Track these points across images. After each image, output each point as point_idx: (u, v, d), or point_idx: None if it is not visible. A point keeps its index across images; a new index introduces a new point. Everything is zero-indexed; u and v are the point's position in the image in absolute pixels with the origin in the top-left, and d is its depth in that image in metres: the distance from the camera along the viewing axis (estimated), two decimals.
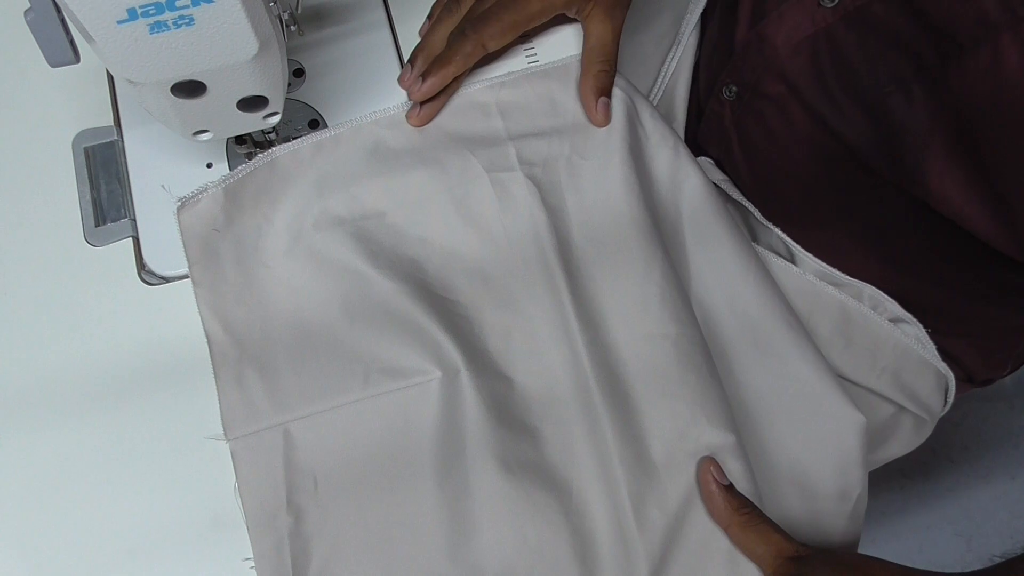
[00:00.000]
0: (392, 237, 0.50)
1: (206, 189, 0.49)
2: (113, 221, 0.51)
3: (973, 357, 0.61)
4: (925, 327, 0.59)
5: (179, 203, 0.49)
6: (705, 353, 0.49)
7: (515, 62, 0.54)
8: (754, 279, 0.53)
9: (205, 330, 0.48)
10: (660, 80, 0.64)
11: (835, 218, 0.57)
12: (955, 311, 0.58)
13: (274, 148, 0.51)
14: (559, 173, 0.52)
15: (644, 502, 0.46)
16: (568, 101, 0.53)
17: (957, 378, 0.61)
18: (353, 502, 0.45)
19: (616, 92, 0.53)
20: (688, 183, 0.54)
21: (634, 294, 0.50)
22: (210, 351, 0.48)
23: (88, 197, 0.52)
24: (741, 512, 0.45)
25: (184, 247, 0.49)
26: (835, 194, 0.55)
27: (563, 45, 0.55)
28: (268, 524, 0.45)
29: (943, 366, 0.60)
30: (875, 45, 0.48)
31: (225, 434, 0.46)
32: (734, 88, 0.57)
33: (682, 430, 0.47)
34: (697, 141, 0.63)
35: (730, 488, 0.46)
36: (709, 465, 0.46)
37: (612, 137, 0.52)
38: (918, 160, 0.47)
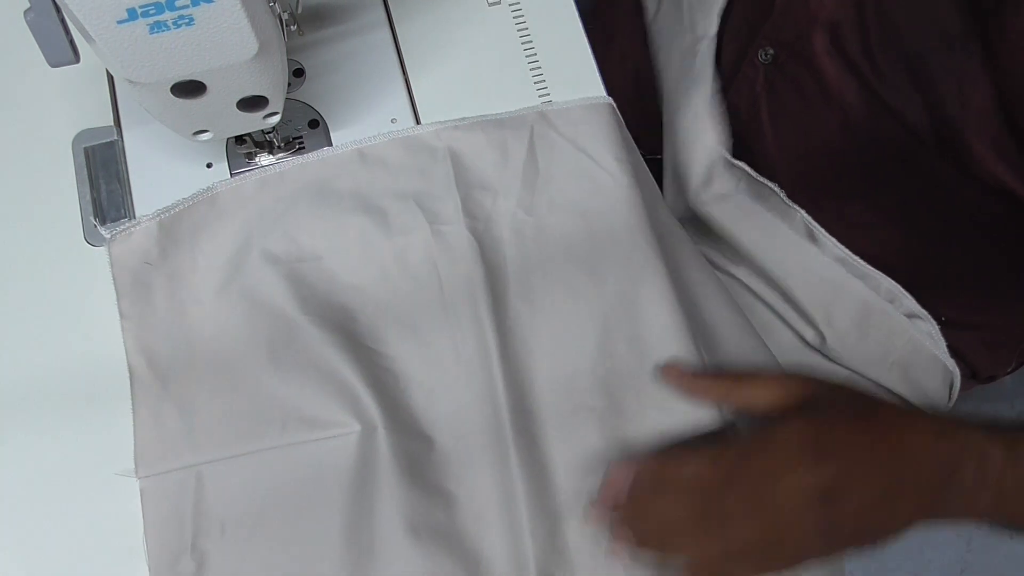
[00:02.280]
0: (326, 283, 0.50)
1: (139, 223, 0.49)
2: (113, 221, 0.51)
3: (980, 353, 0.61)
4: (939, 315, 0.59)
5: (109, 235, 0.49)
6: (631, 426, 0.48)
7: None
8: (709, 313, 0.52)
9: (129, 364, 0.47)
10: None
11: (863, 188, 0.56)
12: (969, 299, 0.58)
13: (215, 183, 0.51)
14: (502, 229, 0.51)
15: None
16: (520, 151, 0.53)
17: (962, 374, 0.61)
18: (258, 553, 0.45)
19: (560, 143, 0.53)
20: (636, 217, 0.52)
21: (564, 362, 0.49)
22: (131, 385, 0.47)
23: (88, 197, 0.52)
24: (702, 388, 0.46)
25: (114, 280, 0.49)
26: (867, 162, 0.55)
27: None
28: (170, 567, 0.44)
29: (951, 362, 0.60)
30: (921, 2, 0.47)
31: (136, 471, 0.46)
32: (771, 51, 0.57)
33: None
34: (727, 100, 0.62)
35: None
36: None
37: (557, 196, 0.52)
38: (961, 122, 0.47)
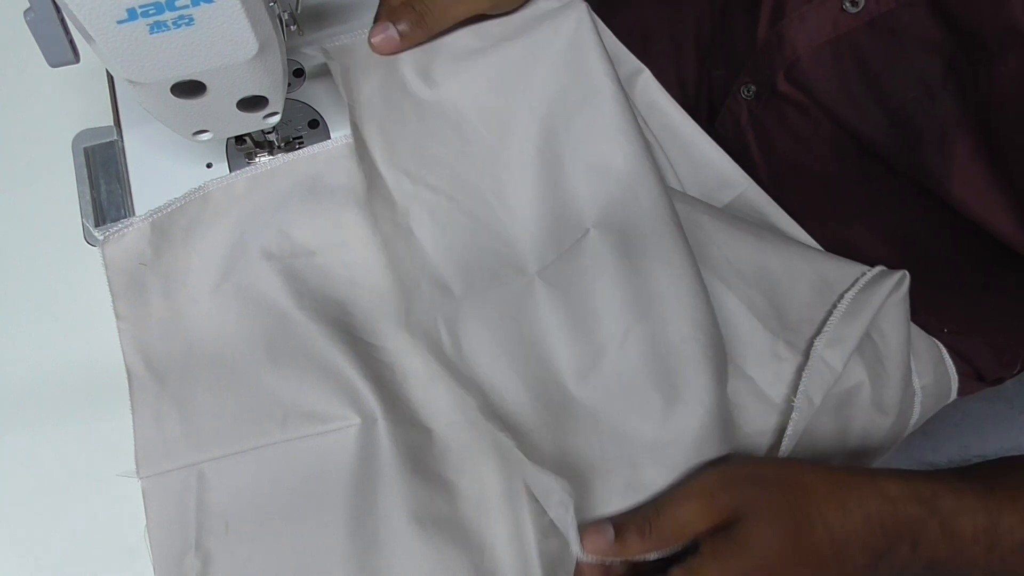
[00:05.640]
0: (320, 278, 0.50)
1: (131, 223, 0.49)
2: (113, 221, 0.51)
3: (986, 356, 0.61)
4: (941, 327, 0.59)
5: (103, 236, 0.49)
6: (623, 416, 0.47)
7: None
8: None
9: (126, 364, 0.47)
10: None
11: (857, 214, 0.56)
12: (971, 309, 0.58)
13: (207, 182, 0.51)
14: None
15: (555, 566, 0.45)
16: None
17: (968, 376, 0.61)
18: (262, 549, 0.45)
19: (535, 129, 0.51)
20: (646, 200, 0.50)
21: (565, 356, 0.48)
22: (129, 386, 0.47)
23: (88, 197, 0.52)
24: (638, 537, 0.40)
25: (108, 281, 0.49)
26: (858, 190, 0.54)
27: None
28: (175, 566, 0.44)
29: (952, 370, 0.60)
30: (900, 51, 0.47)
31: (137, 471, 0.46)
32: (752, 88, 0.57)
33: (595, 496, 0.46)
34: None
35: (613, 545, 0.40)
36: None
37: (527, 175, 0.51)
38: (940, 165, 0.47)
